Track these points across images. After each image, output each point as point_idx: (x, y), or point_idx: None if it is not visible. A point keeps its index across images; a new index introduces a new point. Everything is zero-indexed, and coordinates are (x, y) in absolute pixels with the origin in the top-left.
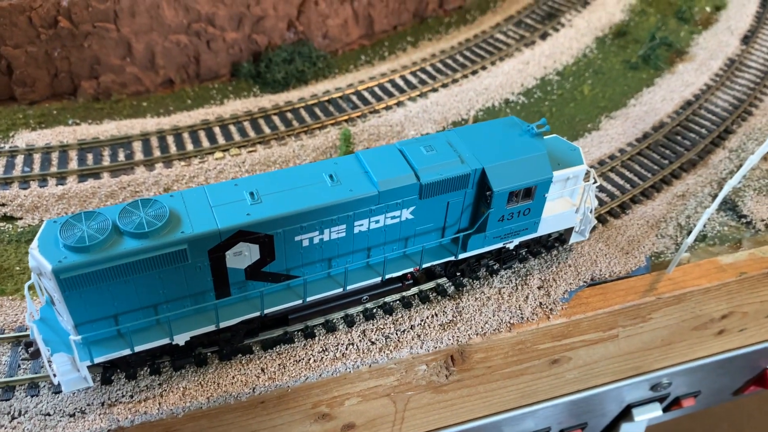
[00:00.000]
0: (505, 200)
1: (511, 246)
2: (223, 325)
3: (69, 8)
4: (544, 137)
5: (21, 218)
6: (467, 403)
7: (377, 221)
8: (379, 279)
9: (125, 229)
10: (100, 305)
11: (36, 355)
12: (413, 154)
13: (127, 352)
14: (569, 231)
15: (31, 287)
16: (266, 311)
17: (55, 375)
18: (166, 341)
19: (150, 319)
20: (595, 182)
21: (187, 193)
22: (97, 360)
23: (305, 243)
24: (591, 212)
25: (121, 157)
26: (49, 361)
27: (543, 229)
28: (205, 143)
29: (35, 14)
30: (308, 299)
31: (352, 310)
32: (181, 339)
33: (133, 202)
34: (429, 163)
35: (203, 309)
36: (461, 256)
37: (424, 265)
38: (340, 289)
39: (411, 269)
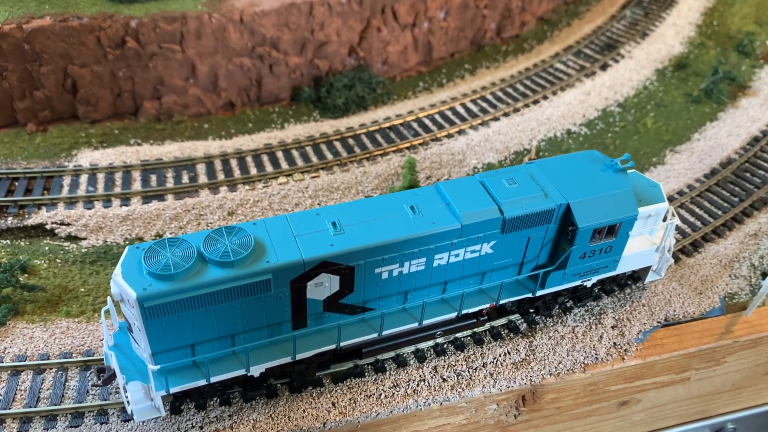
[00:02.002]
0: (588, 237)
1: (588, 284)
2: (299, 356)
3: (137, 29)
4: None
5: (85, 238)
6: None
7: (457, 255)
8: (454, 314)
9: (210, 258)
10: (179, 334)
11: (108, 381)
12: (495, 187)
13: (202, 382)
14: (645, 269)
15: (106, 312)
16: (341, 344)
17: (128, 403)
18: (241, 372)
19: (228, 349)
20: (675, 220)
21: (269, 221)
22: (173, 390)
23: (384, 275)
24: (669, 251)
25: (185, 179)
26: (124, 389)
27: (622, 268)
28: (269, 167)
29: (104, 34)
30: (383, 333)
31: (423, 345)
32: (256, 370)
33: (218, 230)
34: (512, 197)
35: (280, 340)
36: (539, 293)
37: (501, 302)
38: (416, 324)
39: (487, 305)
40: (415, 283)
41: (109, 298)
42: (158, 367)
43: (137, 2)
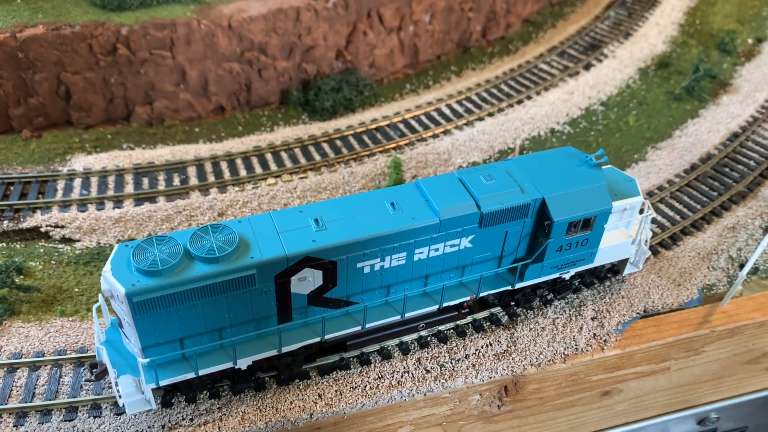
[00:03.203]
0: (564, 230)
1: (567, 276)
2: (285, 349)
3: (128, 36)
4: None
5: (79, 240)
6: None
7: (437, 249)
8: (436, 307)
9: (196, 254)
10: (168, 329)
11: (101, 376)
12: (473, 183)
13: (191, 375)
14: (623, 262)
15: (97, 309)
16: (326, 337)
17: (120, 397)
18: (229, 365)
19: (216, 343)
20: (651, 213)
21: (254, 219)
22: (163, 383)
23: (366, 270)
24: (646, 243)
25: (176, 181)
26: (116, 383)
27: (599, 260)
28: (258, 169)
29: (95, 42)
30: (367, 326)
31: (406, 338)
32: (243, 363)
33: (203, 227)
34: (489, 193)
35: (266, 333)
36: (518, 285)
37: (481, 294)
38: (398, 317)
39: (468, 298)
40: (397, 277)
41: (100, 295)
42: (148, 360)
43: (127, 10)
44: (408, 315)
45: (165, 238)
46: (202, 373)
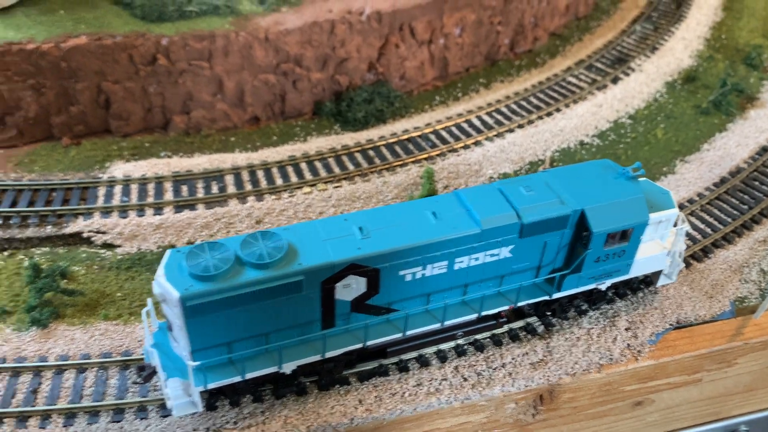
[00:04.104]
0: (602, 241)
1: (603, 287)
2: (328, 355)
3: (168, 47)
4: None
5: (120, 246)
6: None
7: (477, 258)
8: (475, 316)
9: (247, 260)
10: (217, 333)
11: (149, 378)
12: (513, 194)
13: (237, 379)
14: (657, 274)
15: (146, 313)
16: (368, 343)
17: (168, 399)
18: (274, 369)
19: (263, 347)
20: (686, 226)
21: (300, 227)
22: (211, 386)
23: (408, 278)
24: (680, 256)
25: (215, 189)
26: (164, 385)
27: (635, 271)
28: (294, 178)
29: (136, 52)
30: (407, 333)
31: (444, 346)
32: (288, 368)
33: (253, 234)
34: (529, 203)
35: (310, 338)
36: (555, 295)
37: (519, 304)
38: (438, 325)
39: (506, 307)
40: (437, 285)
41: (149, 299)
42: (197, 363)
43: (167, 21)
44: (447, 323)
45: (216, 244)
46: (248, 376)
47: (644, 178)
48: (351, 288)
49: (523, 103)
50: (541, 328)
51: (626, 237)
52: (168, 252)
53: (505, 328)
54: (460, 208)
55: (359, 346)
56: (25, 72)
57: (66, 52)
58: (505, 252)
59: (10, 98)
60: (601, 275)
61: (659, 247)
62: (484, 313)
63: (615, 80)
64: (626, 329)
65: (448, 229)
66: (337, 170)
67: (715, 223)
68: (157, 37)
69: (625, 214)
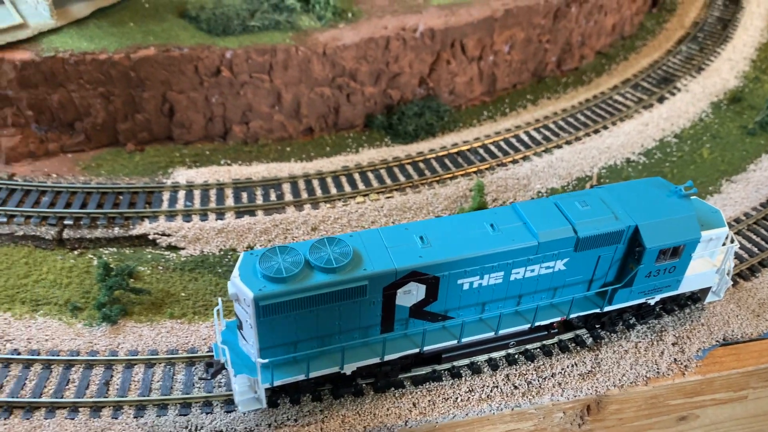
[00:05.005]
0: (654, 257)
1: (652, 302)
2: (387, 358)
3: (231, 59)
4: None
5: (184, 248)
6: None
7: (533, 270)
8: (527, 326)
9: (316, 264)
10: (284, 332)
11: (216, 374)
12: (569, 209)
13: (302, 377)
14: (705, 291)
15: (217, 312)
16: (425, 348)
17: (235, 394)
18: (336, 370)
19: (327, 348)
20: (736, 245)
21: (364, 234)
22: (277, 383)
23: (465, 286)
24: (729, 274)
25: (273, 197)
26: (232, 381)
27: (684, 287)
28: (347, 188)
29: (201, 64)
30: (462, 340)
31: (495, 354)
32: (349, 369)
33: (321, 240)
34: (585, 218)
35: (371, 342)
36: (606, 308)
37: (571, 316)
38: (492, 333)
39: (558, 318)
40: (493, 295)
41: (219, 299)
42: (266, 360)
43: (231, 35)
44: (501, 332)
45: (287, 248)
46: (312, 375)
47: (694, 197)
48: (411, 294)
49: (571, 119)
50: (589, 341)
51: (678, 253)
52: (242, 254)
53: (555, 339)
54: (518, 220)
55: (416, 350)
56: (96, 80)
57: (135, 63)
58: (559, 265)
59: (81, 105)
60: (651, 290)
61: (708, 264)
62: (536, 324)
63: (661, 99)
64: (673, 344)
65: (506, 240)
66: (388, 181)
67: (762, 242)
68: (222, 50)
69: (677, 231)
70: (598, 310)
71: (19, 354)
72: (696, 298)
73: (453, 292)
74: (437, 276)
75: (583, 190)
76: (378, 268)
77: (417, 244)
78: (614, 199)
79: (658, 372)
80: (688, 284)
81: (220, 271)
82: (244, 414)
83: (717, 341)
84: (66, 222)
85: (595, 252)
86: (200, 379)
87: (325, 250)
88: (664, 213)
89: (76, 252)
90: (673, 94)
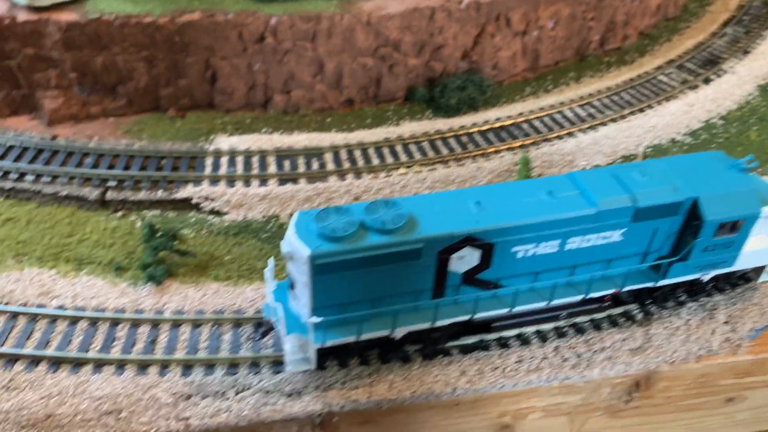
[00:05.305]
0: (713, 231)
1: (706, 278)
2: (438, 324)
3: (276, 26)
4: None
5: (227, 213)
6: None
7: (589, 240)
8: (580, 298)
9: (371, 225)
10: (337, 293)
11: (266, 334)
12: (628, 178)
13: (353, 339)
14: (758, 269)
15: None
16: (475, 316)
17: (286, 354)
18: (386, 333)
19: (379, 310)
20: None
21: (418, 198)
22: (329, 343)
23: (520, 254)
24: None
25: (315, 166)
26: (283, 341)
27: (739, 264)
28: (389, 159)
29: (246, 30)
30: (514, 310)
31: (544, 326)
32: (399, 333)
33: (375, 202)
34: (644, 188)
35: (422, 307)
36: (660, 283)
37: (625, 288)
38: (544, 303)
39: (612, 291)
40: (546, 264)
41: (270, 259)
42: (319, 319)
43: (276, 2)
44: (554, 303)
45: (342, 209)
46: (363, 337)
47: (752, 174)
48: (464, 260)
49: (615, 98)
50: (640, 316)
51: (736, 228)
52: (296, 214)
53: (605, 313)
54: (575, 189)
55: (467, 317)
56: (140, 44)
57: (180, 27)
58: (616, 235)
59: (124, 68)
60: (706, 265)
61: (765, 242)
62: (590, 296)
63: (707, 81)
64: (725, 323)
65: (564, 208)
66: (431, 154)
67: None
68: (267, 17)
69: (737, 205)
70: (651, 284)
71: (65, 310)
72: (748, 278)
73: (507, 259)
74: (492, 242)
75: (643, 160)
76: (433, 232)
77: (472, 210)
78: (673, 171)
79: (709, 350)
80: (744, 261)
81: (263, 236)
82: (293, 375)
83: None
84: (109, 184)
85: (653, 224)
86: (248, 339)
87: (380, 211)
88: (724, 186)
89: (118, 213)
90: (719, 76)
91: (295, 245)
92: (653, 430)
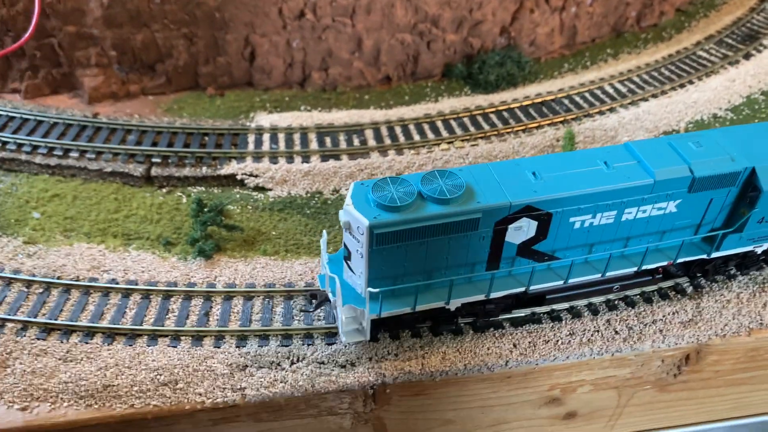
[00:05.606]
0: None
1: (759, 250)
2: (493, 296)
3: (315, 2)
4: None
5: (271, 190)
6: (683, 407)
7: (644, 211)
8: (633, 270)
9: (429, 195)
10: (394, 263)
11: (320, 305)
12: (684, 149)
13: (408, 309)
14: None
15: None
16: (530, 288)
17: (341, 324)
18: (441, 304)
19: (436, 281)
20: None
21: (474, 168)
22: (384, 314)
23: (577, 225)
24: None
25: (356, 142)
26: (338, 310)
27: None
28: (430, 135)
29: (286, 6)
30: (568, 282)
31: (595, 300)
32: (454, 304)
33: (432, 172)
34: (701, 158)
35: (477, 278)
36: (713, 255)
37: (678, 260)
38: (599, 275)
39: (666, 263)
40: (602, 236)
41: (324, 231)
42: (377, 290)
43: None
44: (608, 275)
45: (399, 179)
46: (418, 309)
47: None
48: (521, 231)
49: (655, 74)
50: (690, 290)
51: None
52: (353, 184)
53: (655, 286)
54: (632, 159)
55: (522, 289)
56: (180, 21)
57: (221, 3)
58: (671, 206)
59: (164, 46)
60: (761, 237)
61: None
62: (643, 268)
63: (747, 56)
64: None
65: (621, 178)
66: (472, 129)
67: None
68: None
69: None
70: (705, 256)
71: (117, 284)
72: None
73: (563, 230)
74: (550, 212)
75: (699, 131)
76: (491, 201)
77: (530, 179)
78: (730, 141)
79: (761, 323)
80: None
81: (308, 212)
82: (346, 346)
83: None
84: (153, 160)
85: (708, 194)
86: (301, 311)
87: (437, 181)
88: None
89: (164, 189)
90: (759, 51)
91: (353, 215)
92: (699, 404)
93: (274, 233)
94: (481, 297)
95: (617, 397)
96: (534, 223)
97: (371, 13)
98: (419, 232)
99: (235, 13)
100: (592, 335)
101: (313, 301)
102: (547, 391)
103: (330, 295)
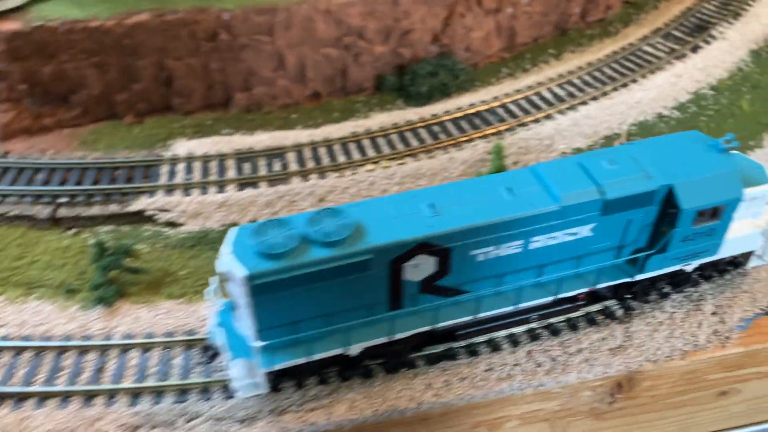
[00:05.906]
0: (691, 219)
1: (688, 269)
2: (396, 337)
3: (229, 21)
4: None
5: (184, 224)
6: None
7: (554, 237)
8: (551, 298)
9: (314, 238)
10: (282, 312)
11: (212, 359)
12: (595, 168)
13: (303, 360)
14: (747, 254)
15: (210, 292)
16: (437, 325)
17: (233, 380)
18: (341, 351)
19: (330, 328)
20: None
21: (368, 203)
22: (277, 367)
23: (480, 258)
24: None
25: (277, 167)
26: (229, 366)
27: (724, 252)
28: (356, 155)
29: (198, 27)
30: (479, 315)
31: (516, 330)
32: (355, 350)
33: (320, 211)
34: (613, 178)
35: (377, 320)
36: (638, 277)
37: (599, 286)
38: (512, 307)
39: (585, 289)
40: (511, 266)
41: (211, 279)
42: (264, 343)
43: None
44: (521, 306)
45: (283, 221)
46: (315, 357)
47: (736, 152)
48: (420, 268)
49: (597, 74)
50: (620, 312)
51: (717, 215)
52: (233, 229)
53: (582, 311)
54: (537, 183)
55: (428, 328)
56: (89, 50)
57: (128, 29)
58: (585, 231)
59: (75, 76)
60: (687, 256)
61: (752, 225)
62: (561, 296)
63: (695, 49)
64: (713, 314)
65: (524, 205)
66: (400, 147)
67: None
68: (219, 12)
69: (716, 190)
70: (629, 279)
71: (10, 340)
72: (738, 262)
73: (467, 264)
74: (448, 247)
75: (612, 146)
76: (382, 241)
77: (425, 213)
78: (646, 156)
79: (695, 345)
80: (729, 248)
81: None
82: (245, 400)
83: (761, 309)
84: (61, 200)
85: (625, 215)
86: (198, 363)
87: (324, 222)
88: (701, 170)
89: (71, 231)
90: (708, 43)
91: (230, 265)
92: (643, 428)
93: (182, 273)
94: (384, 339)
95: (550, 429)
96: (432, 259)
97: (290, 28)
98: (305, 279)
99: (144, 39)
100: (511, 369)
101: (207, 352)
102: (471, 429)
103: (220, 349)
